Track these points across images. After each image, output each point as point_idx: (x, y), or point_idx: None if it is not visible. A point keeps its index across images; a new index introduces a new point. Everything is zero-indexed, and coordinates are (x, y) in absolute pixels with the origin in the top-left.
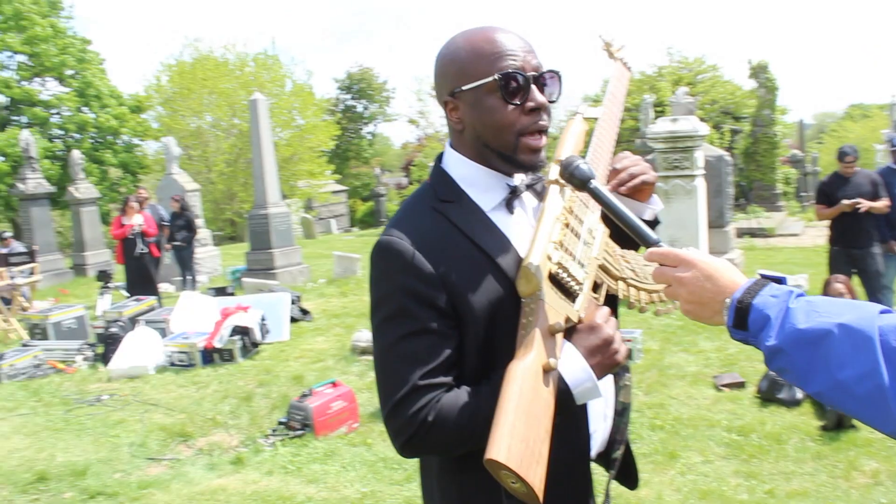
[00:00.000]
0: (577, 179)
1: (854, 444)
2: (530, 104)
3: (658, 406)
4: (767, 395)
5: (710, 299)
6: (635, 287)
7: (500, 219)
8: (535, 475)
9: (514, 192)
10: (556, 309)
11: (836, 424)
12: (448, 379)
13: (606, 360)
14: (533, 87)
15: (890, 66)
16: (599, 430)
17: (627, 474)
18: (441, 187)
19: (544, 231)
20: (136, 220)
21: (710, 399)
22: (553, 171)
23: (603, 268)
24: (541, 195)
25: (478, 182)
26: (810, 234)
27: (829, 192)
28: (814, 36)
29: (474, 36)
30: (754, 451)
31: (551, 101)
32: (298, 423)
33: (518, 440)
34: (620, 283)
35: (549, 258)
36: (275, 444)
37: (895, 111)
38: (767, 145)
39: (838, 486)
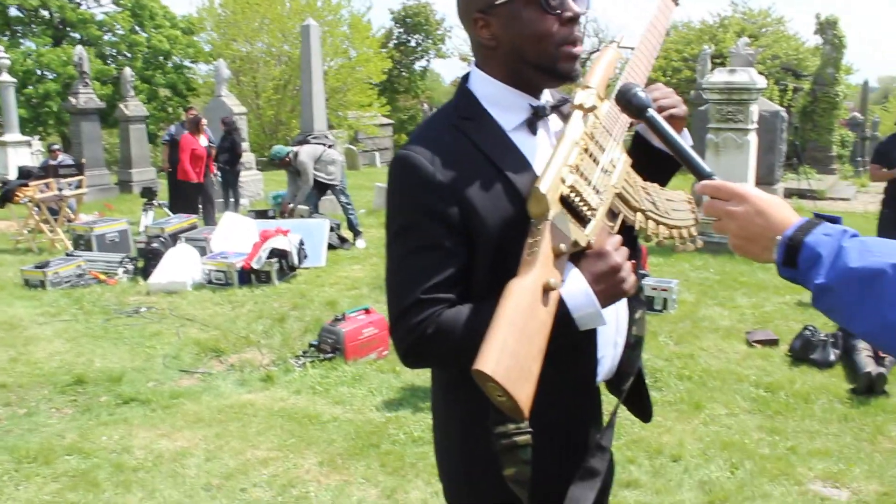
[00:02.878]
0: (634, 107)
1: (883, 409)
2: (567, 14)
3: (687, 356)
4: (800, 355)
5: (760, 235)
6: (654, 220)
7: (521, 139)
8: (522, 391)
9: (536, 113)
10: (563, 232)
11: (866, 388)
12: (451, 295)
13: (612, 289)
14: None
15: None
16: (608, 356)
17: (641, 407)
18: (463, 105)
19: (561, 153)
20: (202, 143)
21: (741, 354)
22: (579, 97)
23: (621, 197)
24: (566, 118)
25: (501, 101)
26: (862, 199)
27: (887, 152)
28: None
29: None
30: (780, 408)
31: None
32: (329, 347)
33: (508, 355)
34: (639, 214)
35: (563, 181)
36: (305, 365)
37: None
38: (827, 105)
39: (862, 449)
